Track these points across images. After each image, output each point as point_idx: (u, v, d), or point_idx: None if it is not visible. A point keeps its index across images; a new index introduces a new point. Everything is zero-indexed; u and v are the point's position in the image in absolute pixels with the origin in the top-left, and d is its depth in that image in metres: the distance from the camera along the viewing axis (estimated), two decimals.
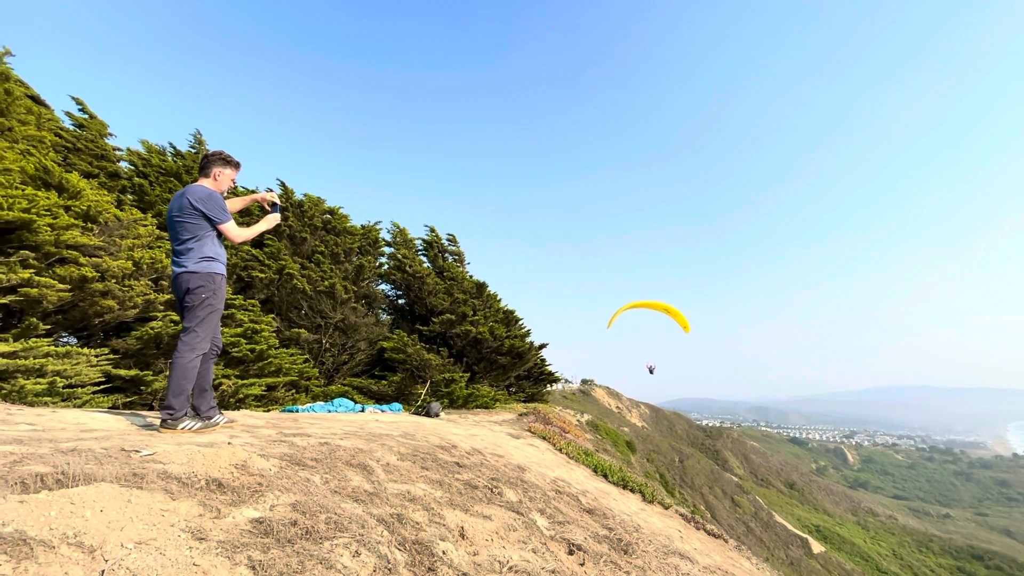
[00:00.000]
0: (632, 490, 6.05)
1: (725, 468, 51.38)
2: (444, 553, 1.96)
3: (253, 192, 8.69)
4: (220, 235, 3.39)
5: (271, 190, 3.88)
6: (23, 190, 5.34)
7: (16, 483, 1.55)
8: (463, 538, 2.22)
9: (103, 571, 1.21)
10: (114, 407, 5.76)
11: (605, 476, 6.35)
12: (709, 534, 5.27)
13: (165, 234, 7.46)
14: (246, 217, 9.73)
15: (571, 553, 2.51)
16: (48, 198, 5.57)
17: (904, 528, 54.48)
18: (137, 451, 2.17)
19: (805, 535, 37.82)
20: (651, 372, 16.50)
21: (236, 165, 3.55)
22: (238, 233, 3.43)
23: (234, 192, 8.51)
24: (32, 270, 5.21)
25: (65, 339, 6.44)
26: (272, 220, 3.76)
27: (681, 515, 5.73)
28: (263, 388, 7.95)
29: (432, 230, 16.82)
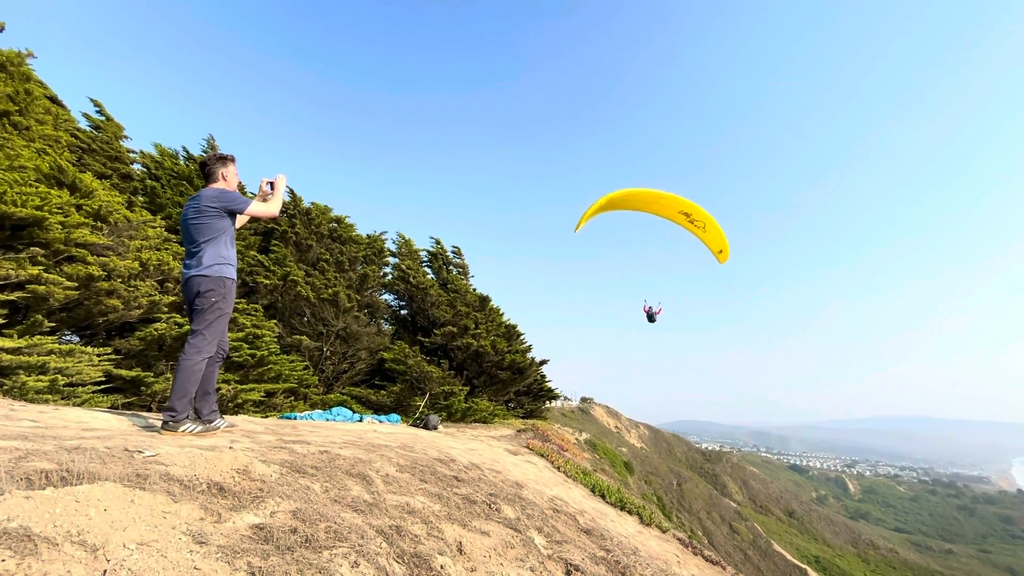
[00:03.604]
0: (630, 512, 5.97)
1: (724, 493, 50.56)
2: (442, 568, 1.94)
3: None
4: (234, 237, 3.43)
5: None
6: (37, 188, 5.43)
7: (21, 479, 1.55)
8: (461, 553, 2.20)
9: (105, 571, 1.21)
10: (113, 407, 5.74)
11: (603, 496, 6.27)
12: (707, 560, 5.18)
13: (173, 236, 7.54)
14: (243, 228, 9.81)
15: (568, 573, 2.48)
16: (60, 196, 5.65)
17: (905, 562, 53.19)
18: (140, 452, 2.17)
19: (804, 566, 37.00)
20: (651, 319, 12.18)
21: (232, 159, 3.61)
22: (265, 209, 3.48)
23: (240, 189, 8.63)
24: (41, 267, 5.26)
25: (68, 337, 6.46)
26: (282, 179, 3.79)
27: (679, 539, 5.63)
28: (262, 394, 7.92)
29: (437, 242, 16.91)
